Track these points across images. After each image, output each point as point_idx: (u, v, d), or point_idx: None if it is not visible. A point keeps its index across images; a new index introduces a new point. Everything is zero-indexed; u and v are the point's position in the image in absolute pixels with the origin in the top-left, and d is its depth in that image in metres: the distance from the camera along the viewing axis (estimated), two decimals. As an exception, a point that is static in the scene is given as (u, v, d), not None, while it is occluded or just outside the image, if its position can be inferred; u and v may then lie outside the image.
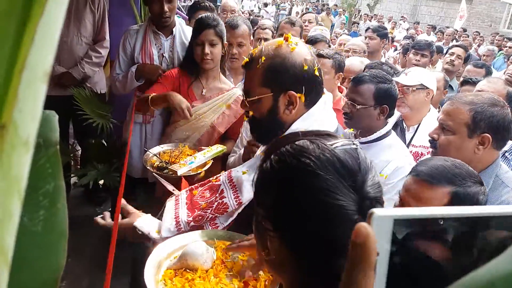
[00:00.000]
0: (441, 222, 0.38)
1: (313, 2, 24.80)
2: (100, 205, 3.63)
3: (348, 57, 3.35)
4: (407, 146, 2.40)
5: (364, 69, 2.58)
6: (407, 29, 14.39)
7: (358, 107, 1.98)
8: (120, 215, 1.40)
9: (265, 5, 20.84)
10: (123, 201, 1.48)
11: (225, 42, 2.33)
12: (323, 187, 0.68)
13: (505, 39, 9.85)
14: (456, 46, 4.56)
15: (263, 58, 1.26)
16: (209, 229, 1.36)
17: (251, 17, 9.96)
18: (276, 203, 0.74)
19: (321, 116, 1.30)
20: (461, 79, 3.58)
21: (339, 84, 2.80)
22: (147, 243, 1.37)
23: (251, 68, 1.30)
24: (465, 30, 12.56)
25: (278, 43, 1.28)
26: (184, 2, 6.94)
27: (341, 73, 2.70)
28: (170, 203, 1.46)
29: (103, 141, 3.23)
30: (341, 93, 2.74)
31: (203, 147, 2.15)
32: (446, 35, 10.31)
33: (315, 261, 0.70)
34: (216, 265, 1.22)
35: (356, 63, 3.09)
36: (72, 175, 3.32)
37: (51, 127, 0.37)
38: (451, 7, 20.70)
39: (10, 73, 0.21)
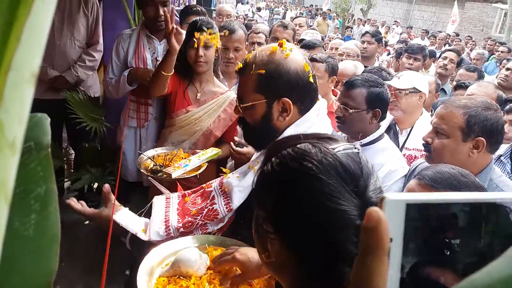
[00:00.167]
0: (453, 207, 0.38)
1: (307, 7, 24.91)
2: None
3: (342, 60, 3.37)
4: (401, 149, 2.42)
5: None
6: (400, 34, 14.49)
7: (351, 111, 1.99)
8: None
9: (259, 9, 20.92)
10: (106, 186, 1.44)
11: (219, 46, 2.33)
12: (326, 192, 0.68)
13: (497, 44, 9.93)
14: (449, 50, 4.60)
15: (257, 64, 1.25)
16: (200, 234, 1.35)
17: (245, 21, 9.99)
18: (277, 207, 0.73)
19: (315, 123, 1.28)
20: (454, 83, 3.61)
21: (333, 88, 2.81)
22: (123, 238, 1.35)
23: (244, 74, 1.29)
24: (457, 35, 12.68)
25: (272, 49, 1.26)
26: (178, 6, 6.94)
27: (334, 76, 2.71)
28: (159, 203, 1.42)
29: (97, 145, 3.22)
30: (335, 96, 2.75)
31: (197, 150, 2.15)
32: (439, 39, 10.40)
33: (316, 265, 0.70)
34: (210, 272, 1.21)
35: (349, 66, 3.11)
36: (65, 179, 3.30)
37: (42, 130, 0.37)
38: (443, 11, 20.88)
39: (-5, 74, 0.20)
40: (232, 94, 2.34)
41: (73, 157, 3.63)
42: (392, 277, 0.36)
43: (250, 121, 1.30)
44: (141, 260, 1.18)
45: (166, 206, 1.41)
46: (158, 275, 1.19)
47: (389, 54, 7.90)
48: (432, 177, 1.31)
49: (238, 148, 1.88)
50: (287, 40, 3.21)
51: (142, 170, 2.04)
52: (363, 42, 4.31)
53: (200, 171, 2.00)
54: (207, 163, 2.05)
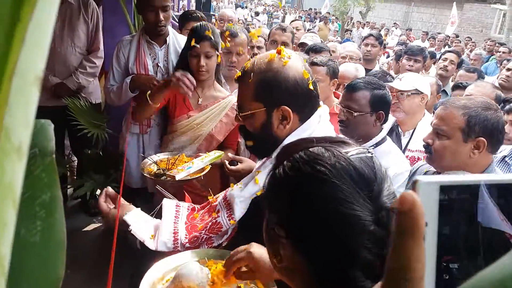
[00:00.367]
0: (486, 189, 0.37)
1: (306, 11, 24.97)
2: (96, 215, 3.60)
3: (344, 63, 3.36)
4: (403, 151, 2.41)
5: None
6: (399, 36, 14.51)
7: (355, 114, 1.96)
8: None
9: (257, 14, 21.01)
10: (110, 189, 1.45)
11: (220, 52, 2.32)
12: (339, 197, 0.67)
13: (497, 44, 9.92)
14: (449, 51, 4.60)
15: (255, 72, 1.24)
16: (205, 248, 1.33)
17: (244, 25, 10.03)
18: (289, 211, 0.72)
19: (316, 130, 1.26)
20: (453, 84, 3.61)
21: (334, 90, 2.80)
22: (132, 238, 1.34)
23: (243, 82, 1.28)
24: (457, 36, 12.68)
25: (270, 57, 1.25)
26: (178, 11, 6.97)
27: (336, 79, 2.71)
28: (169, 210, 1.42)
29: (99, 152, 3.22)
30: (337, 98, 2.74)
31: (200, 154, 2.15)
32: (438, 41, 10.41)
33: (329, 271, 0.69)
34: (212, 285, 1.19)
35: (350, 69, 3.10)
36: (68, 186, 3.30)
37: (46, 136, 0.36)
38: (442, 13, 20.92)
39: (0, 78, 0.20)
40: (234, 98, 2.33)
41: (76, 164, 3.63)
42: (428, 262, 0.35)
43: (250, 129, 1.29)
44: (146, 265, 1.17)
45: (175, 216, 1.40)
46: None
47: (388, 56, 7.91)
48: None
49: (232, 167, 1.87)
50: (286, 43, 3.26)
51: (145, 174, 2.04)
52: (366, 44, 4.26)
53: (203, 173, 2.01)
54: (210, 165, 2.06)
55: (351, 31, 15.91)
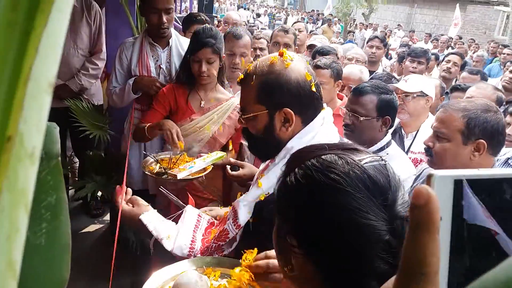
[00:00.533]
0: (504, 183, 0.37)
1: (308, 12, 24.97)
2: (98, 217, 3.61)
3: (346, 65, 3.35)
4: (406, 153, 2.40)
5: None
6: (402, 37, 14.49)
7: (361, 118, 1.93)
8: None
9: (258, 15, 21.03)
10: (129, 189, 1.48)
11: (223, 54, 2.31)
12: (353, 206, 0.65)
13: (500, 46, 9.91)
14: (452, 53, 4.58)
15: (257, 74, 1.24)
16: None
17: (247, 27, 10.04)
18: (302, 220, 0.70)
19: (319, 132, 1.26)
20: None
21: (338, 92, 2.80)
22: (147, 238, 1.37)
23: (245, 85, 1.28)
24: (460, 38, 12.66)
25: (272, 59, 1.25)
26: (180, 13, 6.98)
27: (340, 81, 2.70)
28: (191, 217, 1.42)
29: (101, 153, 3.22)
30: (341, 100, 2.74)
31: (202, 154, 2.15)
32: (441, 42, 10.39)
33: (343, 281, 0.68)
34: None
35: (355, 71, 3.09)
36: (70, 188, 3.31)
37: (52, 139, 0.37)
38: (445, 15, 20.87)
39: (14, 84, 0.20)
40: (236, 100, 2.33)
41: (77, 165, 3.63)
42: (441, 257, 0.35)
43: (253, 131, 1.29)
44: (146, 274, 1.17)
45: (195, 225, 1.41)
46: None
47: (390, 58, 7.89)
48: None
49: (233, 172, 1.87)
50: (288, 45, 3.26)
51: (147, 172, 2.04)
52: (371, 46, 4.25)
53: (205, 173, 2.01)
54: (212, 166, 2.06)
55: (353, 32, 15.91)
